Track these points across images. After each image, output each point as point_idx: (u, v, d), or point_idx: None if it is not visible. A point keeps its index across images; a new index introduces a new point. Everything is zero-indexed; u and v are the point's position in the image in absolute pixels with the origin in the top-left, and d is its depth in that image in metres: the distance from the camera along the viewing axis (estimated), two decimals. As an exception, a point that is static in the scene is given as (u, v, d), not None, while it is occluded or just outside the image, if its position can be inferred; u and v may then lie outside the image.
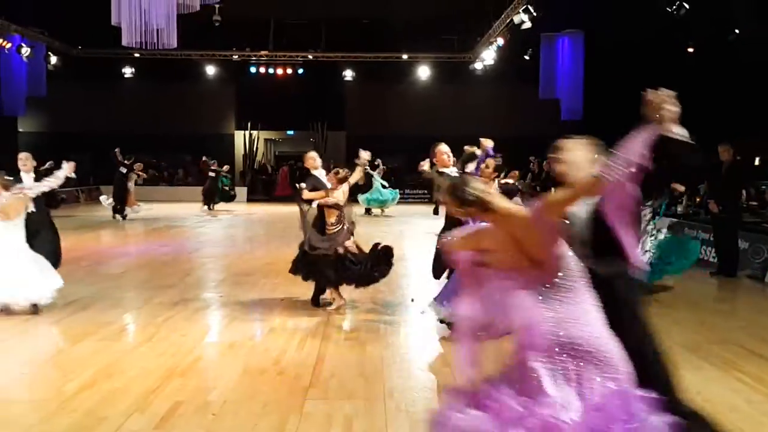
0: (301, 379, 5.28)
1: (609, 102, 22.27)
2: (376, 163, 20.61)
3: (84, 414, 4.56)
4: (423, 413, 4.60)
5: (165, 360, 5.67)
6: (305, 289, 8.68)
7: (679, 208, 13.37)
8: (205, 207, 21.89)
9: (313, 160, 7.92)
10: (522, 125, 26.60)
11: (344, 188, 7.55)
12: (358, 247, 7.65)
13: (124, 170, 18.67)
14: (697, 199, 13.59)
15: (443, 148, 7.11)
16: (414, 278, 9.64)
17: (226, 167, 23.59)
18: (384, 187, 20.58)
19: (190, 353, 5.94)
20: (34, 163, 8.40)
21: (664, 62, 21.23)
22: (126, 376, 5.31)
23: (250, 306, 7.91)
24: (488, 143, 6.70)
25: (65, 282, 7.53)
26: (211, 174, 22.28)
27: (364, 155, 7.74)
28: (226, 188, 23.65)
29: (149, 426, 4.38)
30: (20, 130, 27.08)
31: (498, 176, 8.08)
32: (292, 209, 21.20)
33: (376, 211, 20.74)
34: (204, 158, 23.93)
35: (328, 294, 7.75)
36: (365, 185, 19.28)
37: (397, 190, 21.17)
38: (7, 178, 7.46)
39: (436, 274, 6.94)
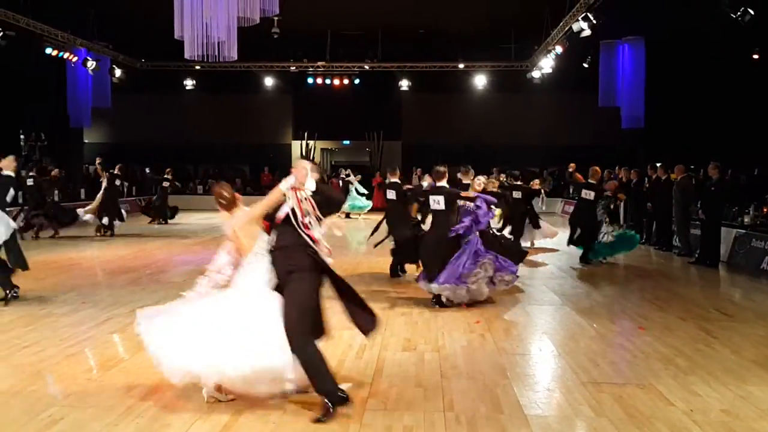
0: (360, 389, 5.28)
1: (671, 109, 21.79)
2: (347, 172, 23.01)
3: (149, 420, 4.66)
4: (482, 425, 4.56)
5: (226, 368, 5.71)
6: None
7: (747, 219, 12.93)
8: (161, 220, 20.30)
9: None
10: (581, 134, 26.20)
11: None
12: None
13: (114, 182, 16.87)
14: (765, 210, 13.13)
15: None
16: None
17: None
18: (359, 194, 22.24)
19: (250, 361, 5.98)
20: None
21: (728, 69, 20.65)
22: (189, 383, 5.37)
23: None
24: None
25: (134, 290, 7.60)
26: (165, 184, 20.52)
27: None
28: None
29: (212, 433, 4.45)
30: (86, 141, 27.95)
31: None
32: (347, 218, 21.58)
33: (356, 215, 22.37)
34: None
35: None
36: (344, 193, 21.07)
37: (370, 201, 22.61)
38: (227, 191, 5.34)
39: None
